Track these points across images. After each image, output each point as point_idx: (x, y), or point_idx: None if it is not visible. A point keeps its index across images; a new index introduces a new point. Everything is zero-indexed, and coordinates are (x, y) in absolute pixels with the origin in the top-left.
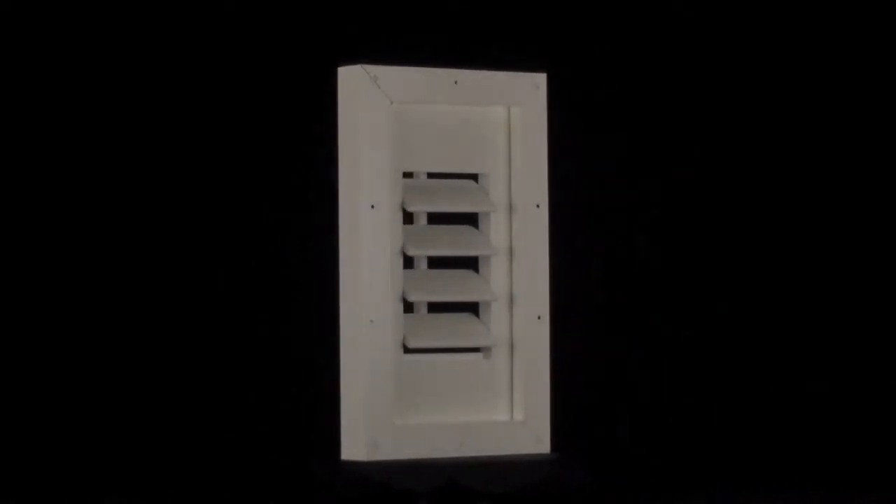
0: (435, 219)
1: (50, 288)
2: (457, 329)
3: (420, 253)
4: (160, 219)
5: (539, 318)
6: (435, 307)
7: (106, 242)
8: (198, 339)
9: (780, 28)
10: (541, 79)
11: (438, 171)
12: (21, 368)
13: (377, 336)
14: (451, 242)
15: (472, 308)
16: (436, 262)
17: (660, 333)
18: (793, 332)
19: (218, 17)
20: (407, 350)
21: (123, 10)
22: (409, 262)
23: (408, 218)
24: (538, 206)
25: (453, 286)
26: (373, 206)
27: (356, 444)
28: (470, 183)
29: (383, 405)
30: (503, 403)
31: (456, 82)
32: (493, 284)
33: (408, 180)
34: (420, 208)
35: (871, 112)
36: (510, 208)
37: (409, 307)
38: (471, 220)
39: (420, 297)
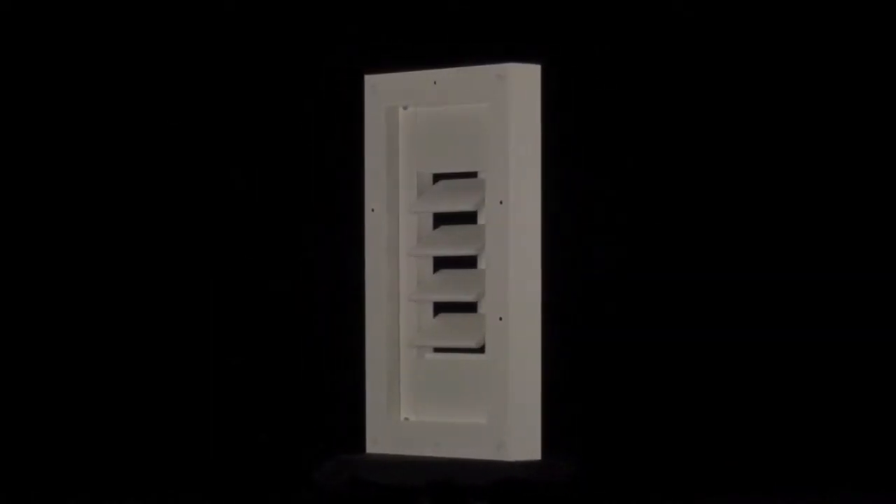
0: None
1: (54, 288)
2: (455, 328)
3: (418, 254)
4: (175, 221)
5: (500, 319)
6: None
7: (121, 244)
8: (223, 338)
9: (783, 26)
10: (505, 70)
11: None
12: (23, 370)
13: (371, 334)
14: (455, 243)
15: None
16: None
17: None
18: (796, 331)
19: (218, 25)
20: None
21: (133, 14)
22: (473, 262)
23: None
24: (501, 202)
25: (457, 287)
26: (373, 210)
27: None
28: (472, 181)
29: (380, 402)
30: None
31: (435, 83)
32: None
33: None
34: (417, 209)
35: None
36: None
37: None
38: None
39: (420, 298)
